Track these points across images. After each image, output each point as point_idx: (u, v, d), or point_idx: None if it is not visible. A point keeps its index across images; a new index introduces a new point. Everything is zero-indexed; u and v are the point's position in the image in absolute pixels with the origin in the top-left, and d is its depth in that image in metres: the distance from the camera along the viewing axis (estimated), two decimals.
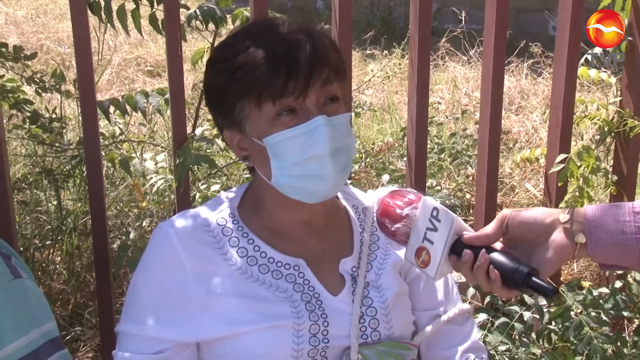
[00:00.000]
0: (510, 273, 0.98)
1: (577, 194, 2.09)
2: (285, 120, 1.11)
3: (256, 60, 1.11)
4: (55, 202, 2.76)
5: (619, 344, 1.84)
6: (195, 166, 1.78)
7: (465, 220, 1.06)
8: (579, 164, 2.07)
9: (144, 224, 2.49)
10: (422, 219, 1.05)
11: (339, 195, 1.30)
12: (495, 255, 1.01)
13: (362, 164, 3.19)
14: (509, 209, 1.05)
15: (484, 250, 1.01)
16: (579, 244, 0.99)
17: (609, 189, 2.23)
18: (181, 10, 1.75)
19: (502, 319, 1.83)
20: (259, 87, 1.11)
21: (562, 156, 2.05)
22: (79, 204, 2.80)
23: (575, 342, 1.79)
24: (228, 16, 1.90)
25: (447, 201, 2.61)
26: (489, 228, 1.03)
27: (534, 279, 0.97)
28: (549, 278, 1.01)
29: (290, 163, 1.12)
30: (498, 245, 1.05)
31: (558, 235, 1.00)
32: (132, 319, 1.17)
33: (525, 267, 0.98)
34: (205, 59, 1.94)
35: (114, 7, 1.79)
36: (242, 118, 1.15)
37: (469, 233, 1.04)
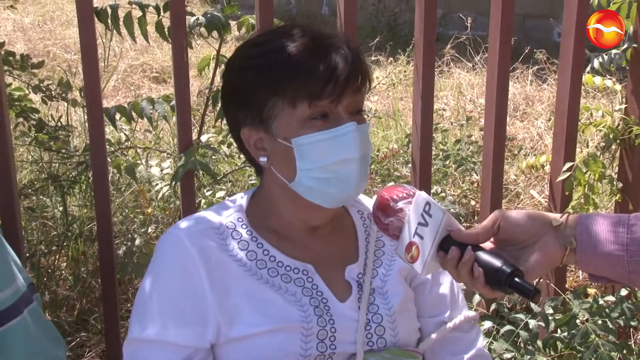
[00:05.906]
0: (493, 272, 0.98)
1: (582, 201, 2.08)
2: (317, 123, 1.12)
3: (295, 60, 1.11)
4: (61, 208, 2.77)
5: (625, 352, 1.83)
6: (201, 173, 1.79)
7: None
8: (584, 171, 2.06)
9: (150, 230, 2.50)
10: (414, 213, 1.04)
11: None
12: (481, 254, 1.00)
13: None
14: (502, 210, 1.04)
15: (470, 247, 1.00)
16: (569, 249, 0.98)
17: (615, 197, 2.22)
18: (187, 17, 1.76)
19: (508, 327, 1.82)
20: (297, 86, 1.10)
21: (568, 164, 2.04)
22: (85, 210, 2.81)
23: (581, 350, 1.78)
24: (233, 23, 1.91)
25: (452, 210, 2.61)
26: (480, 227, 1.02)
27: (516, 279, 0.96)
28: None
29: (317, 166, 1.12)
30: (488, 245, 1.03)
31: (548, 239, 0.99)
32: (149, 324, 1.14)
33: (509, 267, 0.97)
34: (211, 67, 1.96)
35: (121, 15, 1.80)
36: (271, 117, 1.14)
37: (459, 230, 1.03)
